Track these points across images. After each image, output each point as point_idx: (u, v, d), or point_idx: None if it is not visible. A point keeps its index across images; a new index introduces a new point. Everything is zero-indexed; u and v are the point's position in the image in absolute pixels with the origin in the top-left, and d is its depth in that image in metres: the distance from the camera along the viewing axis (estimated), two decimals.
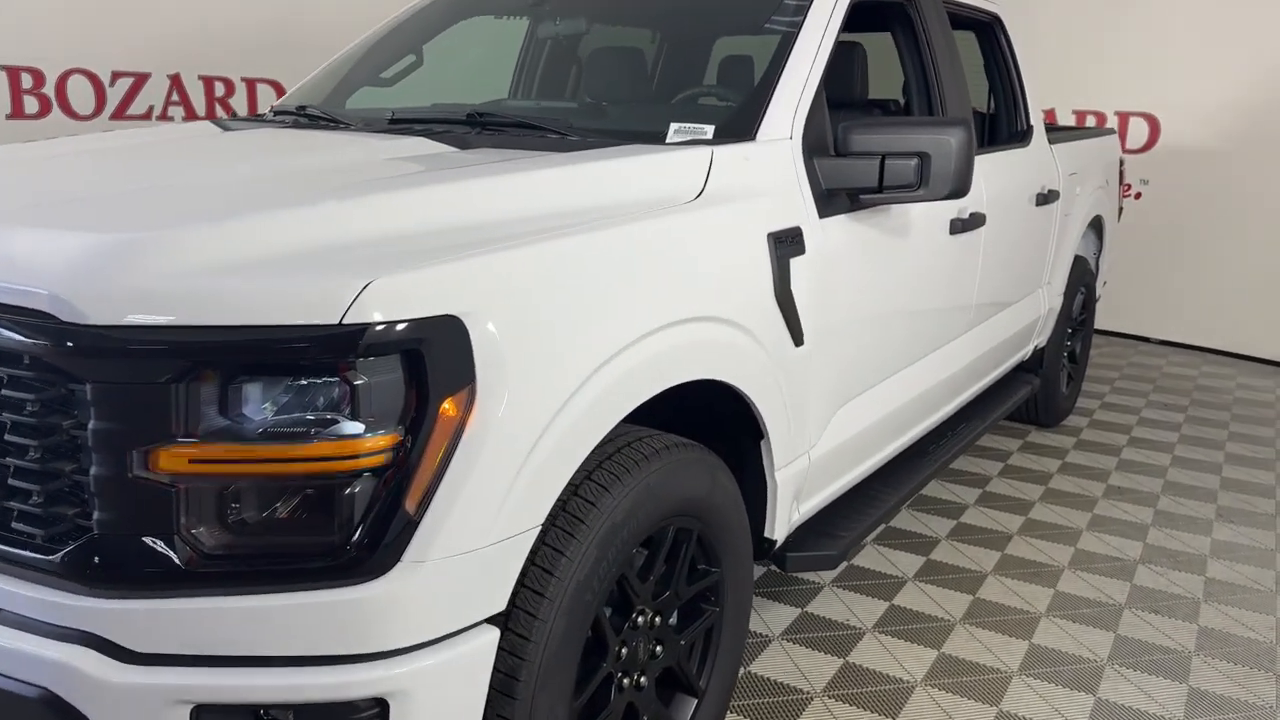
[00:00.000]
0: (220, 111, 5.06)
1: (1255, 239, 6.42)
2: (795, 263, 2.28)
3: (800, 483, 2.49)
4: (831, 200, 2.47)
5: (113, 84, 4.67)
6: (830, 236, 2.42)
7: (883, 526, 3.71)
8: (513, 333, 1.56)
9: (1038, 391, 4.71)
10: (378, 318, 1.42)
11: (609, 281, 1.73)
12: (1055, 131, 5.07)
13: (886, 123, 2.43)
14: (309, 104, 2.98)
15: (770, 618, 3.04)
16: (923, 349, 3.07)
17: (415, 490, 1.48)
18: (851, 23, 3.67)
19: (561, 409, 1.62)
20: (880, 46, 3.37)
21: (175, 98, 4.93)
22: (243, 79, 5.15)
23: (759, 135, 2.35)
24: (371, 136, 2.40)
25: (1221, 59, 6.29)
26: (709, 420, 2.31)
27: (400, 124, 2.63)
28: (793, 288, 2.28)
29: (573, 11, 3.14)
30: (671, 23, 3.20)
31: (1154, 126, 6.57)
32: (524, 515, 1.59)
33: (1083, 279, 4.86)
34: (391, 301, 1.44)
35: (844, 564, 3.41)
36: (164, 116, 4.91)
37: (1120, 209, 5.63)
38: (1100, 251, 5.28)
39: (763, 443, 2.30)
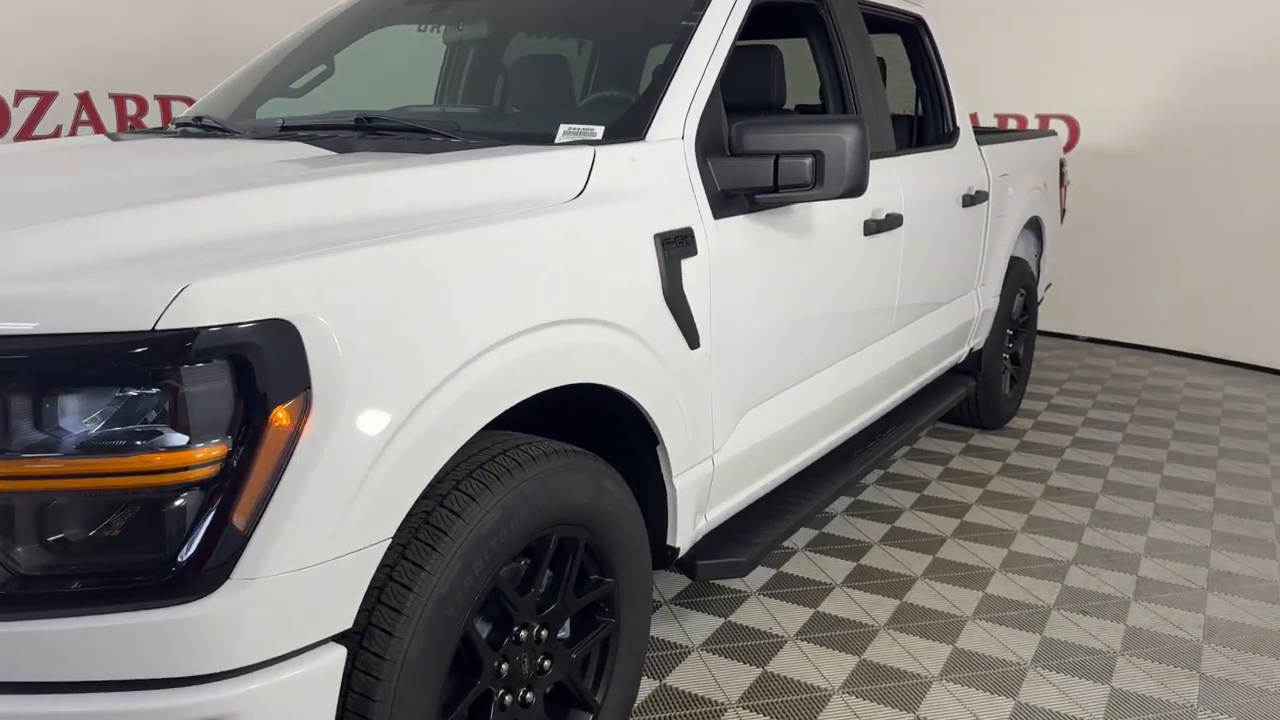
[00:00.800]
0: (131, 128, 4.91)
1: (1194, 238, 6.46)
2: (687, 264, 2.24)
3: (704, 489, 2.44)
4: (729, 201, 2.43)
5: (17, 104, 4.51)
6: (727, 237, 2.38)
7: (816, 532, 3.66)
8: (354, 337, 1.50)
9: (977, 394, 4.69)
10: (196, 323, 1.36)
11: (464, 284, 1.67)
12: (993, 133, 5.08)
13: (780, 122, 2.39)
14: (208, 115, 2.92)
15: (692, 628, 2.98)
16: (840, 351, 3.03)
17: (245, 504, 1.41)
18: (765, 27, 3.65)
19: (410, 417, 1.56)
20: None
21: (85, 117, 4.78)
22: (156, 96, 4.99)
23: (649, 136, 2.31)
24: (252, 143, 2.34)
25: (1135, 60, 6.44)
26: (606, 426, 2.26)
27: (291, 131, 2.58)
28: (685, 289, 2.23)
29: (479, 20, 3.10)
30: (579, 28, 3.15)
31: (1074, 128, 6.66)
32: (370, 528, 1.53)
33: (1022, 281, 4.85)
34: (212, 306, 1.38)
35: (773, 572, 3.35)
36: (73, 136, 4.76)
37: (1063, 210, 5.64)
38: (1041, 253, 5.27)
39: (659, 448, 2.25)
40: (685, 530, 2.40)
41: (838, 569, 3.40)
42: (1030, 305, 5.12)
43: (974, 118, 6.77)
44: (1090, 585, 3.32)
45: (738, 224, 2.43)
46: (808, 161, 2.36)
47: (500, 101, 3.15)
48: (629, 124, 2.34)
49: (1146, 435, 4.96)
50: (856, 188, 2.40)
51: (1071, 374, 6.17)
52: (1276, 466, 4.55)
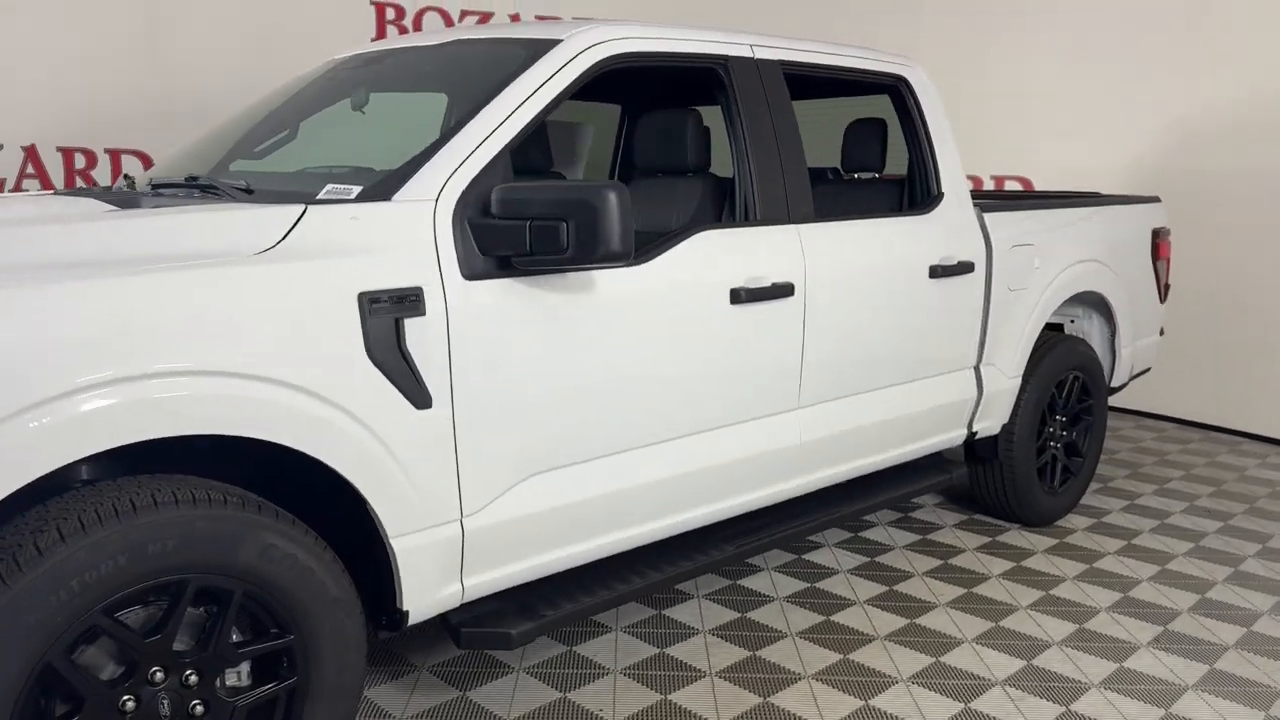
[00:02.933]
0: (81, 185, 4.77)
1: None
2: (411, 324, 2.24)
3: (452, 553, 2.39)
4: (497, 264, 2.40)
5: None
6: (481, 299, 2.35)
7: (736, 615, 3.45)
8: None
9: (1003, 485, 4.26)
10: None
11: (35, 332, 1.77)
12: (1063, 197, 4.65)
13: (534, 186, 2.34)
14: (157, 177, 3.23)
15: (526, 699, 2.90)
16: (691, 424, 2.87)
17: None
18: (677, 94, 3.58)
19: None
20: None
21: (31, 170, 4.71)
22: (106, 150, 4.89)
23: (397, 196, 2.33)
24: (70, 199, 2.57)
25: (1090, 122, 6.37)
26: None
27: (160, 189, 2.81)
28: (409, 349, 2.23)
29: (361, 87, 3.23)
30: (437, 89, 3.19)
31: (1029, 189, 6.54)
32: None
33: (1070, 361, 4.36)
34: None
35: (655, 651, 3.19)
36: (18, 191, 4.60)
37: (1165, 286, 5.02)
38: (1114, 333, 4.71)
39: (369, 506, 2.25)
40: (421, 594, 2.37)
41: (724, 655, 3.18)
42: (1094, 390, 4.57)
43: (1026, 183, 6.55)
44: (1001, 712, 2.91)
45: (500, 287, 2.39)
46: (561, 226, 2.30)
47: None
48: (386, 185, 2.38)
49: (1223, 550, 4.27)
50: (616, 253, 2.31)
51: (1189, 472, 5.42)
52: None
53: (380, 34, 5.11)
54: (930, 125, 3.74)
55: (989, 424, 4.05)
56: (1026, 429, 4.22)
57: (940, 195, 3.71)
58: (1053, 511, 4.48)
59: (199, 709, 2.06)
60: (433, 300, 2.27)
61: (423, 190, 2.36)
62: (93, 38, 4.72)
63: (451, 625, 2.53)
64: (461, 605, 2.54)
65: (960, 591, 3.75)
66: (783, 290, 3.01)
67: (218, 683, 2.09)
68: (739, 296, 2.90)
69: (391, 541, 2.29)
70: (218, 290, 1.99)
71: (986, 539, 4.32)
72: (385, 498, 2.25)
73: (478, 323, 2.35)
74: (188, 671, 2.03)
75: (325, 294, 2.13)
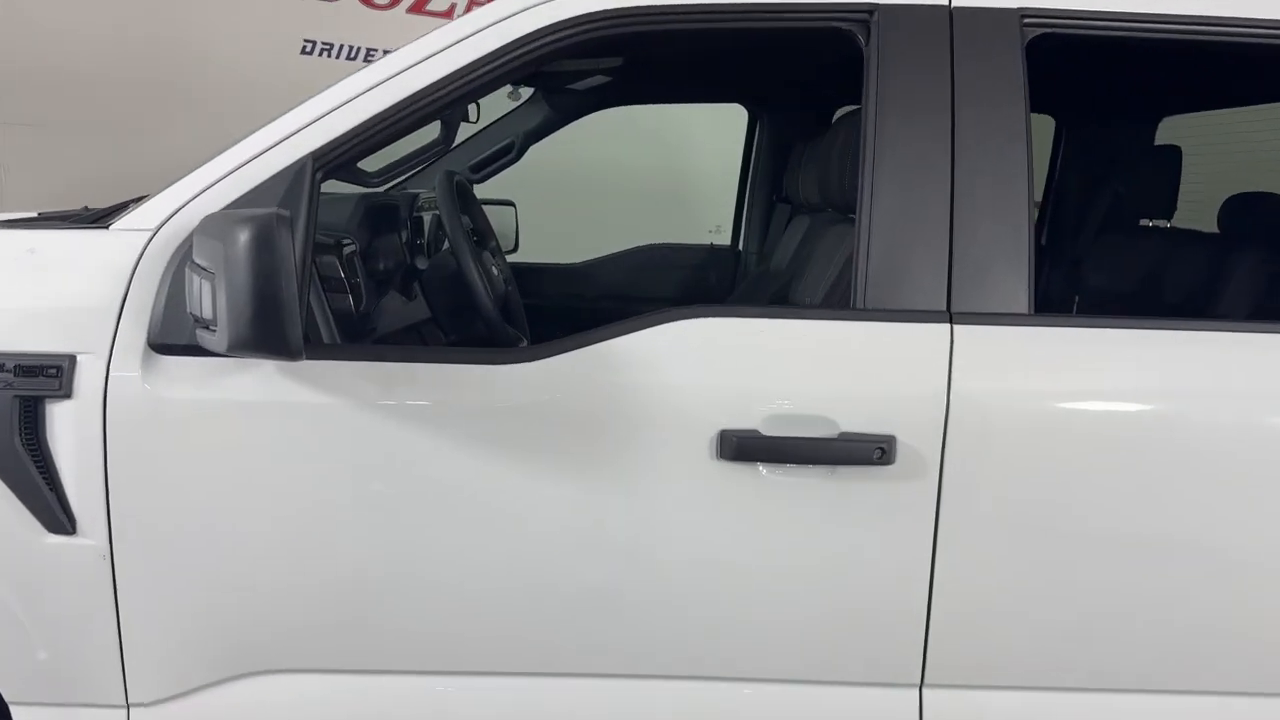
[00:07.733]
0: None
1: None
2: (56, 408, 1.53)
3: None
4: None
5: None
6: (177, 388, 1.52)
7: None
8: None
9: None
10: None
11: None
12: None
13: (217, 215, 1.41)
14: None
15: None
16: (605, 659, 1.59)
17: None
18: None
19: None
20: None
21: None
22: None
23: (118, 223, 1.62)
24: None
25: None
26: None
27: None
28: (48, 440, 1.53)
29: None
30: None
31: None
32: None
33: None
34: None
35: None
36: None
37: None
38: None
39: None
40: None
41: None
42: None
43: None
44: None
45: (213, 368, 1.53)
46: (202, 283, 1.38)
47: None
48: (135, 209, 1.67)
49: None
50: (248, 342, 1.32)
51: None
52: None
53: None
54: None
55: None
56: None
57: None
58: None
59: None
60: (90, 376, 1.53)
61: (144, 218, 1.61)
62: None
63: None
64: None
65: None
66: (865, 448, 1.51)
67: None
68: (735, 448, 1.52)
69: (11, 708, 1.62)
70: None
71: None
72: None
73: (162, 419, 1.53)
74: None
75: None
